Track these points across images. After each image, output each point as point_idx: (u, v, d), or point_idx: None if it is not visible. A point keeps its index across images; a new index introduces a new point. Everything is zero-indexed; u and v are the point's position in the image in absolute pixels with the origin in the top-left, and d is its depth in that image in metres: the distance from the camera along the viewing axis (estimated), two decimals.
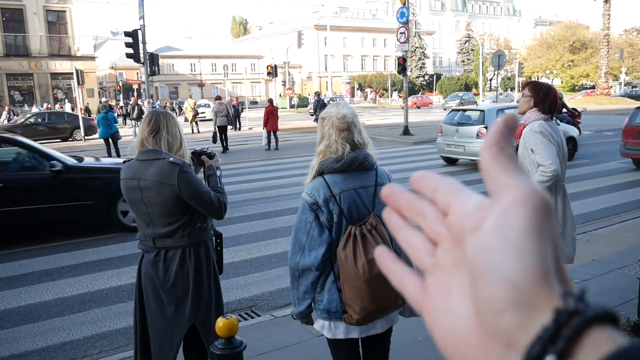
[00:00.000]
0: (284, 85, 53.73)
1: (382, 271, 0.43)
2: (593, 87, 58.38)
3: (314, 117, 24.36)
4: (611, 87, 55.03)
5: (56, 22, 36.30)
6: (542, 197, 0.33)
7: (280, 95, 54.41)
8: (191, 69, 69.34)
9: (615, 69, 61.46)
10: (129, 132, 24.20)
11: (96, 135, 19.39)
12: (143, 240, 2.95)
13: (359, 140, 2.60)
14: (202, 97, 54.57)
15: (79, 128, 24.27)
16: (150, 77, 20.66)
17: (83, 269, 6.46)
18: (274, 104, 19.17)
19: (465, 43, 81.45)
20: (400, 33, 20.31)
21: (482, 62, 48.92)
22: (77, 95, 25.42)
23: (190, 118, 25.81)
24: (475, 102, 46.53)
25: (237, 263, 6.42)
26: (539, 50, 67.30)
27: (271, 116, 18.25)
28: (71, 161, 8.01)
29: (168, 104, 39.82)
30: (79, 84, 23.63)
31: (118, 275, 6.20)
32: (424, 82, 74.26)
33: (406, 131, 21.31)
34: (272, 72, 29.20)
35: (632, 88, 62.01)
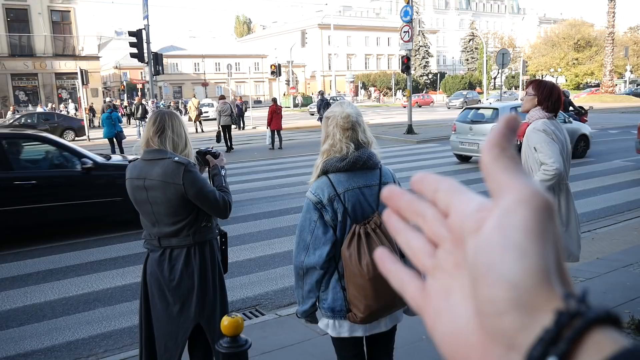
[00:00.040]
0: (288, 84, 53.76)
1: (382, 272, 0.43)
2: (598, 85, 58.19)
3: (317, 116, 24.32)
4: (616, 85, 54.85)
5: (60, 22, 36.38)
6: (544, 198, 0.33)
7: (284, 95, 54.44)
8: (195, 68, 69.41)
9: (620, 67, 61.22)
10: (133, 132, 24.25)
11: (99, 135, 19.43)
12: (148, 240, 2.97)
13: (363, 139, 2.61)
14: (206, 97, 54.67)
15: (70, 129, 24.29)
16: (155, 77, 20.68)
17: (88, 269, 6.48)
18: (278, 103, 19.18)
19: (469, 41, 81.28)
20: (404, 32, 20.28)
21: (486, 60, 48.82)
22: (82, 95, 25.49)
23: (193, 117, 25.84)
24: (479, 100, 46.51)
25: (241, 262, 6.43)
26: (543, 49, 67.06)
27: (275, 115, 18.26)
28: (100, 159, 8.20)
29: (172, 104, 39.89)
30: (83, 83, 23.70)
31: (123, 274, 6.22)
32: (428, 81, 74.14)
33: (410, 130, 21.28)
34: (276, 71, 29.23)
35: (637, 86, 61.74)
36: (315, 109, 39.90)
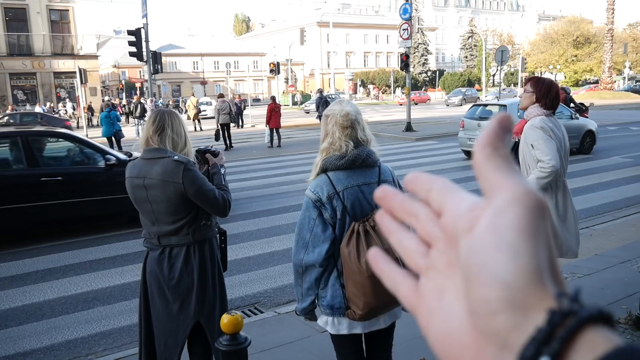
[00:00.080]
0: (287, 82, 53.75)
1: (375, 273, 0.43)
2: (597, 82, 58.18)
3: (316, 114, 24.31)
4: (615, 81, 54.85)
5: (59, 21, 36.35)
6: (536, 197, 0.33)
7: (283, 93, 54.41)
8: (194, 66, 69.34)
9: (619, 64, 61.23)
10: (132, 131, 24.24)
11: (98, 134, 19.42)
12: (148, 238, 2.97)
13: (362, 137, 2.61)
14: (205, 95, 54.64)
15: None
16: (153, 76, 20.67)
17: (87, 267, 6.49)
18: (277, 102, 19.17)
19: (468, 39, 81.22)
20: (403, 29, 20.27)
21: (485, 57, 48.80)
22: (80, 94, 25.48)
23: (192, 116, 25.84)
24: (478, 97, 46.52)
25: (240, 260, 6.44)
26: (542, 46, 67.01)
27: (274, 113, 18.25)
28: (123, 156, 8.34)
29: (171, 102, 39.86)
30: (81, 82, 23.70)
31: (122, 273, 6.22)
32: (427, 78, 74.11)
33: (409, 127, 21.29)
34: (275, 69, 29.23)
35: (635, 82, 61.78)
36: (310, 107, 39.96)
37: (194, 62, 69.12)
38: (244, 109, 29.11)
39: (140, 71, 57.75)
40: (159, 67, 20.51)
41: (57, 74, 37.14)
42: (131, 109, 26.11)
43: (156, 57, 20.30)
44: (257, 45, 76.62)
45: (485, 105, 14.61)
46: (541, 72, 64.71)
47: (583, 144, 14.16)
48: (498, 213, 0.33)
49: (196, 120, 25.68)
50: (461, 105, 44.09)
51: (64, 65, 36.06)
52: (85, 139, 8.62)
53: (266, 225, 8.11)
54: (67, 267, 6.52)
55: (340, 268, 2.56)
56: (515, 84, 60.11)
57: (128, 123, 30.86)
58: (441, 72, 74.30)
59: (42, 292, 5.73)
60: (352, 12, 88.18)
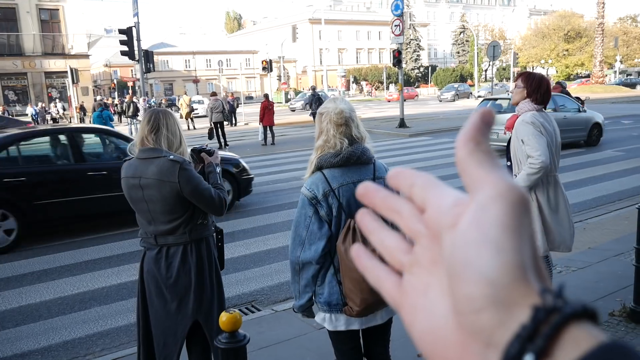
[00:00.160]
0: (279, 79, 53.66)
1: (358, 269, 0.43)
2: (588, 76, 58.43)
3: (299, 110, 24.29)
4: (606, 75, 55.10)
5: (49, 21, 36.12)
6: (519, 192, 0.33)
7: (277, 90, 54.34)
8: (186, 65, 69.13)
9: (610, 58, 61.50)
10: (125, 130, 24.15)
11: None
12: (145, 238, 2.98)
13: (356, 134, 2.63)
14: (197, 93, 54.46)
15: None
16: (145, 74, 20.60)
17: (83, 268, 6.48)
18: (270, 99, 19.15)
19: (460, 34, 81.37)
20: (395, 25, 20.29)
21: (477, 53, 48.92)
22: (72, 93, 25.36)
23: (185, 115, 25.78)
24: (471, 93, 46.64)
25: (236, 258, 6.45)
26: (533, 40, 67.22)
27: (267, 111, 18.24)
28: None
29: (164, 101, 39.73)
30: (73, 82, 23.59)
31: (118, 273, 6.22)
32: (419, 74, 74.21)
33: (402, 124, 21.33)
34: (267, 67, 29.16)
35: (626, 76, 62.15)
36: (295, 105, 39.94)
37: (185, 60, 68.92)
38: (237, 107, 29.06)
39: (132, 70, 57.59)
40: (151, 65, 20.44)
41: (49, 74, 36.93)
42: (124, 108, 26.03)
43: (148, 56, 20.23)
44: (249, 42, 76.46)
45: (495, 99, 14.75)
46: (533, 67, 64.92)
47: (590, 136, 14.51)
48: (481, 209, 0.33)
49: (189, 119, 25.62)
50: (454, 100, 44.21)
51: (55, 65, 35.86)
52: (125, 134, 9.01)
53: (261, 223, 8.12)
54: (63, 268, 6.51)
55: (336, 265, 2.58)
56: (508, 79, 60.22)
57: (121, 122, 30.74)
58: (433, 68, 74.42)
59: (39, 293, 5.72)
60: (343, 9, 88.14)
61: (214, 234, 3.17)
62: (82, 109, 31.28)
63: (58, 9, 36.04)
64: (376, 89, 66.32)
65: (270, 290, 5.59)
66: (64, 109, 33.14)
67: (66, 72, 24.39)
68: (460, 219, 0.34)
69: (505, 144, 4.16)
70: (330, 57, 70.97)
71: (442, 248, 0.35)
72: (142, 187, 2.85)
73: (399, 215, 0.40)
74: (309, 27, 71.21)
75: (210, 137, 18.11)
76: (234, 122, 27.30)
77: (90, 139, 8.59)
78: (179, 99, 36.87)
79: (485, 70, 68.36)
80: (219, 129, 18.54)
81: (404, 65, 22.29)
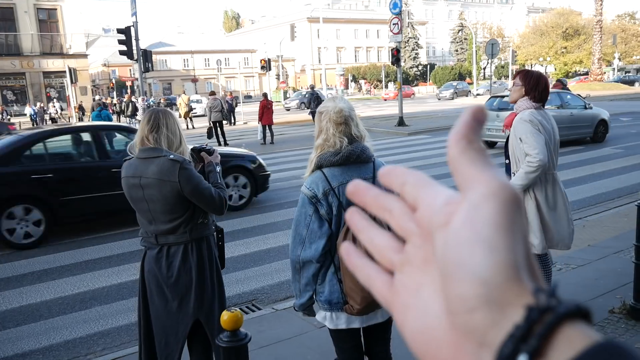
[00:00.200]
0: (278, 78, 53.61)
1: (348, 268, 0.42)
2: (587, 74, 58.46)
3: (305, 110, 24.32)
4: (604, 72, 55.13)
5: (47, 20, 36.10)
6: (512, 191, 0.33)
7: (276, 89, 54.33)
8: (184, 64, 69.10)
9: (609, 55, 61.52)
10: None
11: None
12: (145, 237, 2.99)
13: (356, 133, 2.64)
14: (196, 93, 54.45)
15: None
16: (144, 74, 20.58)
17: (83, 268, 6.49)
18: (269, 98, 19.15)
19: (458, 32, 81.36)
20: (394, 24, 20.29)
21: (476, 51, 48.90)
22: (70, 93, 25.34)
23: (183, 114, 25.77)
24: (470, 91, 46.66)
25: (236, 257, 6.46)
26: (532, 38, 67.22)
27: (266, 110, 18.23)
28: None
29: (162, 100, 39.69)
30: (72, 82, 23.57)
31: (118, 272, 6.23)
32: (418, 73, 74.22)
33: (401, 122, 21.33)
34: (266, 65, 29.17)
35: (625, 73, 62.17)
36: (290, 105, 39.96)
37: (184, 59, 68.88)
38: (236, 106, 29.06)
39: (130, 69, 57.55)
40: (150, 65, 20.41)
41: (47, 74, 36.92)
42: (122, 107, 26.01)
43: (146, 56, 20.20)
44: (248, 41, 76.43)
45: (503, 96, 14.84)
46: (531, 65, 64.96)
47: (597, 132, 14.69)
48: (474, 208, 0.32)
49: (188, 118, 25.60)
50: (453, 99, 44.23)
51: (53, 64, 35.85)
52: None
53: (261, 222, 8.13)
54: (63, 268, 6.51)
55: (337, 263, 2.58)
56: (506, 77, 60.29)
57: (119, 122, 30.70)
58: (432, 66, 74.44)
59: (39, 293, 5.73)
60: (342, 7, 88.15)
61: (215, 233, 3.18)
62: (80, 108, 31.25)
63: (56, 9, 36.02)
64: (375, 88, 66.31)
65: (270, 289, 5.59)
66: (62, 109, 33.11)
67: (64, 71, 24.40)
68: (452, 218, 0.33)
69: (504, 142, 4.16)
70: (328, 56, 70.92)
71: (434, 247, 0.34)
72: (142, 187, 2.85)
73: (390, 213, 0.39)
74: (308, 26, 71.19)
75: (209, 136, 18.07)
76: (232, 121, 27.29)
77: (114, 137, 8.76)
78: (179, 98, 36.88)
79: (484, 68, 68.32)
80: (218, 128, 18.52)
81: (402, 64, 22.29)
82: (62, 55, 35.77)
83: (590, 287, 4.87)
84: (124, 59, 21.12)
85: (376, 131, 19.72)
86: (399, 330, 0.38)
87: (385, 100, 46.85)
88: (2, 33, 34.56)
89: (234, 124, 27.38)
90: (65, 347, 4.55)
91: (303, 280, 2.62)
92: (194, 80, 67.25)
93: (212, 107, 18.56)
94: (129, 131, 8.65)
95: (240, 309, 5.08)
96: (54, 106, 32.59)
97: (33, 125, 31.00)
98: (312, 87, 25.12)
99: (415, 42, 73.93)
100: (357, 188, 0.42)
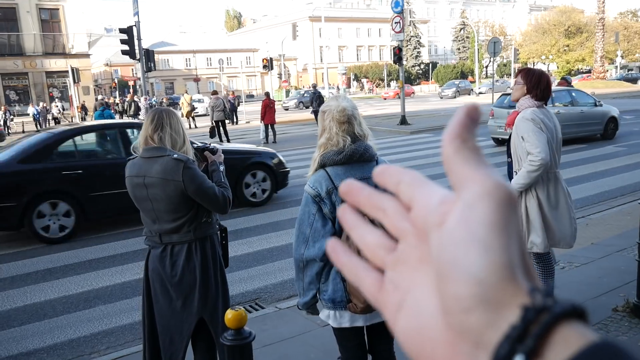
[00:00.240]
0: (280, 77, 53.58)
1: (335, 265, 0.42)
2: (589, 72, 58.35)
3: (311, 109, 24.32)
4: (607, 70, 55.02)
5: (50, 20, 36.14)
6: (506, 190, 0.32)
7: (279, 88, 54.33)
8: (186, 64, 69.16)
9: (611, 53, 61.34)
10: None
11: None
12: (149, 237, 3.00)
13: (359, 132, 2.64)
14: (198, 92, 54.48)
15: None
16: (146, 74, 20.60)
17: (87, 267, 6.51)
18: (271, 97, 19.16)
19: (460, 31, 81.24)
20: (395, 22, 20.27)
21: (478, 49, 48.85)
22: (73, 93, 25.37)
23: (186, 113, 25.79)
24: (472, 89, 46.60)
25: (239, 256, 6.47)
26: (534, 36, 67.03)
27: (268, 109, 18.25)
28: (201, 144, 8.80)
29: (165, 100, 39.73)
30: (74, 82, 23.60)
31: (122, 272, 6.24)
32: (420, 71, 74.15)
33: (403, 121, 21.32)
34: (268, 65, 29.15)
35: (628, 71, 62.01)
36: (288, 104, 40.03)
37: (186, 59, 68.95)
38: (238, 105, 29.08)
39: (132, 69, 57.64)
40: (152, 64, 20.43)
41: (49, 74, 36.96)
42: (125, 107, 26.03)
43: (149, 55, 20.22)
44: (250, 41, 76.45)
45: None
46: (534, 63, 64.78)
47: (607, 129, 14.85)
48: (468, 207, 0.32)
49: (190, 118, 25.63)
50: (455, 97, 44.18)
51: (55, 64, 35.89)
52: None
53: (264, 221, 8.14)
54: (67, 267, 6.53)
55: None
56: (509, 75, 60.14)
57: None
58: (434, 65, 74.37)
59: (43, 292, 5.75)
60: (343, 6, 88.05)
61: (218, 232, 3.19)
62: (83, 108, 31.31)
63: (58, 9, 36.05)
64: (377, 86, 66.26)
65: (273, 288, 5.60)
66: (63, 109, 33.16)
67: (67, 71, 24.39)
68: (447, 218, 0.33)
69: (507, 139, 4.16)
70: (330, 55, 70.88)
71: (429, 247, 0.34)
72: (146, 186, 2.86)
73: (384, 213, 0.39)
74: (309, 25, 71.16)
75: (212, 135, 18.10)
76: (235, 120, 27.30)
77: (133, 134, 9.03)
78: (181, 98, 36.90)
79: (486, 67, 68.30)
80: (221, 128, 18.54)
81: (404, 63, 22.27)
82: (64, 55, 35.81)
83: (593, 285, 4.86)
84: (126, 58, 21.15)
85: (378, 130, 19.71)
86: (390, 329, 0.37)
87: (385, 99, 46.84)
88: (4, 33, 34.61)
89: (236, 123, 27.40)
90: (69, 346, 4.57)
91: (306, 279, 2.63)
92: (196, 80, 67.30)
93: (215, 107, 18.58)
94: None
95: (244, 307, 5.09)
96: (57, 106, 32.65)
97: (36, 125, 31.13)
98: (314, 87, 25.11)
99: (417, 41, 73.84)
100: (350, 188, 0.41)
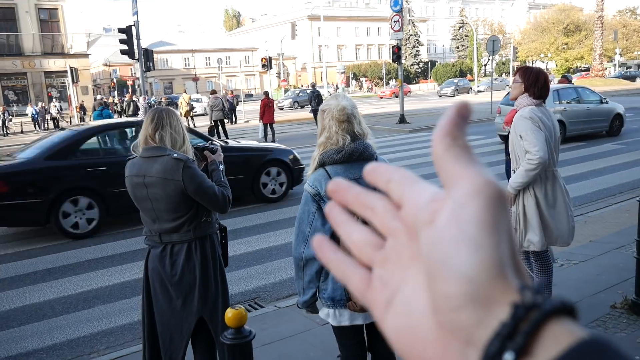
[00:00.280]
0: (279, 77, 53.59)
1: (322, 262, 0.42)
2: (588, 70, 58.37)
3: (310, 108, 24.33)
4: (606, 68, 55.05)
5: (48, 20, 36.12)
6: (496, 187, 0.32)
7: (278, 87, 54.31)
8: (185, 63, 69.12)
9: (610, 51, 61.39)
10: None
11: None
12: (149, 236, 3.00)
13: (358, 131, 2.64)
14: (197, 92, 54.44)
15: None
16: (145, 73, 20.59)
17: (86, 267, 6.51)
18: (270, 97, 19.15)
19: (459, 29, 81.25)
20: (394, 21, 20.27)
21: (477, 47, 48.86)
22: (72, 93, 25.35)
23: (184, 113, 25.75)
24: (471, 88, 46.61)
25: (238, 256, 6.47)
26: (533, 34, 67.10)
27: (267, 109, 18.24)
28: (222, 143, 9.23)
29: (164, 99, 39.73)
30: (73, 81, 23.58)
31: (121, 271, 6.24)
32: (419, 70, 74.15)
33: (402, 119, 21.32)
34: (267, 64, 29.15)
35: (626, 69, 62.05)
36: (283, 103, 40.03)
37: (185, 58, 68.91)
38: (237, 104, 29.07)
39: (131, 69, 57.51)
40: (151, 64, 20.42)
41: (48, 74, 36.95)
42: (124, 107, 26.01)
43: (148, 55, 20.20)
44: (248, 40, 76.42)
45: None
46: (532, 61, 64.87)
47: (612, 126, 15.01)
48: (458, 205, 0.32)
49: (189, 117, 25.60)
50: (454, 96, 44.19)
51: (54, 64, 35.88)
52: (191, 127, 9.79)
53: (263, 220, 8.14)
54: (66, 267, 6.53)
55: None
56: (507, 73, 60.14)
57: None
58: (433, 63, 74.36)
59: (42, 293, 5.75)
60: (342, 5, 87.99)
61: (218, 232, 3.19)
62: (82, 108, 31.27)
63: (57, 9, 36.03)
64: (376, 85, 66.26)
65: (272, 287, 5.61)
66: (62, 109, 33.13)
67: (66, 71, 24.38)
68: (437, 216, 0.33)
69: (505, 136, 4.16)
70: (329, 54, 70.84)
71: (419, 245, 0.34)
72: (146, 186, 2.87)
73: (372, 211, 0.39)
74: (308, 24, 71.14)
75: (211, 135, 18.12)
76: (234, 119, 27.29)
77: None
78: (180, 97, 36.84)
79: (485, 65, 68.29)
80: (220, 127, 18.53)
81: (403, 61, 22.27)
82: (63, 55, 35.79)
83: (592, 282, 4.87)
84: (125, 58, 21.14)
85: (377, 129, 19.71)
86: (379, 327, 0.37)
87: (382, 98, 46.85)
88: (3, 33, 34.59)
89: (235, 122, 27.39)
90: (68, 346, 4.57)
91: (306, 278, 2.63)
92: (195, 79, 67.25)
93: (214, 106, 18.58)
94: None
95: (243, 307, 5.10)
96: (55, 106, 32.64)
97: (35, 126, 31.11)
98: (313, 86, 25.11)
99: (416, 40, 73.85)
100: (337, 186, 0.41)
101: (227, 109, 21.57)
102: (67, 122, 31.34)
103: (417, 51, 74.54)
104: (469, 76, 61.31)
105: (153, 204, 2.88)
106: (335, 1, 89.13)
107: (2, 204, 7.41)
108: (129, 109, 23.75)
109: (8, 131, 29.91)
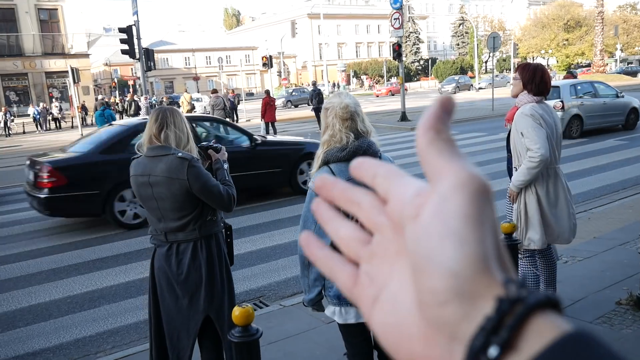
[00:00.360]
0: (280, 75, 53.58)
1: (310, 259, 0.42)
2: (589, 65, 58.25)
3: (311, 106, 24.31)
4: (607, 64, 54.91)
5: (48, 21, 36.13)
6: (481, 181, 0.32)
7: (279, 85, 54.31)
8: (186, 62, 69.10)
9: (611, 46, 61.25)
10: None
11: None
12: (155, 235, 3.01)
13: (362, 128, 2.65)
14: (198, 91, 54.46)
15: None
16: (146, 73, 20.59)
17: (91, 267, 6.52)
18: (271, 95, 19.16)
19: (459, 26, 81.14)
20: (394, 19, 20.25)
21: (477, 44, 48.75)
22: (73, 93, 25.35)
23: (185, 112, 25.77)
24: (472, 84, 46.55)
25: (243, 255, 6.48)
26: (533, 31, 66.96)
27: (268, 107, 18.26)
28: (261, 137, 9.78)
29: (165, 99, 39.72)
30: (74, 82, 23.59)
31: (126, 271, 6.26)
32: (420, 67, 74.07)
33: (404, 117, 21.32)
34: (267, 63, 29.12)
35: (627, 64, 61.95)
36: (277, 103, 39.81)
37: (185, 57, 68.89)
38: (238, 103, 29.06)
39: (132, 68, 57.60)
40: (152, 64, 20.41)
41: (49, 74, 36.97)
42: (125, 106, 26.04)
43: (148, 54, 20.18)
44: (249, 39, 76.37)
45: None
46: (533, 57, 64.76)
47: (628, 120, 15.14)
48: (443, 200, 0.32)
49: None
50: (454, 93, 44.14)
51: (55, 64, 35.89)
52: (231, 122, 10.63)
53: (267, 219, 8.15)
54: (71, 267, 6.55)
55: None
56: (508, 70, 60.04)
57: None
58: (433, 61, 74.31)
59: (48, 293, 5.76)
60: (342, 3, 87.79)
61: (223, 230, 3.20)
62: (83, 108, 31.30)
63: (57, 9, 36.03)
64: (377, 83, 66.20)
65: (277, 285, 5.62)
66: (62, 109, 33.16)
67: (67, 71, 24.38)
68: (422, 210, 0.33)
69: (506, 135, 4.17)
70: (330, 52, 70.78)
71: (405, 240, 0.34)
72: (151, 185, 2.88)
73: (359, 206, 0.39)
74: (308, 22, 71.08)
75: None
76: (235, 118, 27.29)
77: (209, 127, 9.66)
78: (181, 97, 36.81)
79: (486, 62, 68.14)
80: None
81: (404, 59, 22.25)
82: (63, 55, 35.80)
83: (596, 279, 4.88)
84: (126, 58, 21.14)
85: (379, 126, 19.70)
86: (367, 323, 0.37)
87: (377, 96, 46.69)
88: (3, 34, 34.60)
89: (237, 121, 27.36)
90: (75, 346, 4.59)
91: (312, 276, 2.64)
92: (196, 79, 67.25)
93: (215, 105, 18.59)
94: (218, 122, 10.02)
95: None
96: (57, 106, 32.66)
97: (36, 126, 31.14)
98: (314, 84, 25.07)
99: (417, 37, 73.75)
100: (323, 182, 0.41)
101: (228, 108, 21.56)
102: (68, 121, 31.37)
103: (418, 48, 74.45)
104: (469, 73, 61.28)
105: (158, 203, 2.89)
106: None
107: (61, 196, 7.72)
108: (130, 108, 23.78)
109: (10, 132, 29.94)
